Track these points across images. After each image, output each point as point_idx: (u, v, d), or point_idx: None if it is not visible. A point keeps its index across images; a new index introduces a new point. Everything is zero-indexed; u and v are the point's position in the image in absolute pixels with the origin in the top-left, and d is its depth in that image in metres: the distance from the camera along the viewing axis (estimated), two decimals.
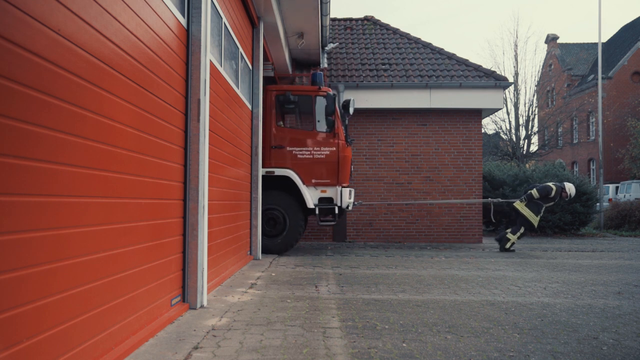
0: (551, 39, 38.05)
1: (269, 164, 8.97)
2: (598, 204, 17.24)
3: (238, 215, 7.17)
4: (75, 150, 2.57)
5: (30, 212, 2.21)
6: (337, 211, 8.99)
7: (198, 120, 4.46)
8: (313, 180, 8.98)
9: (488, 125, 31.04)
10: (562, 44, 38.56)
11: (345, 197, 9.03)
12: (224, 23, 6.14)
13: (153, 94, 3.65)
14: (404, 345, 3.49)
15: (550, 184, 10.48)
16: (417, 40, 14.10)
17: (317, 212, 8.93)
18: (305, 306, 4.70)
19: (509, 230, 10.46)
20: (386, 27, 14.90)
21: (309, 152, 9.00)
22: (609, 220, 17.82)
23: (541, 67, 31.05)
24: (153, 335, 3.53)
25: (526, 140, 26.16)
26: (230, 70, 6.71)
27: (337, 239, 11.89)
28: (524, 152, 25.89)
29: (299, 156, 8.98)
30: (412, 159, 12.08)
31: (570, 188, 10.41)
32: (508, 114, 26.21)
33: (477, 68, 12.53)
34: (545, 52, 38.05)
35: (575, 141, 35.08)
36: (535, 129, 27.90)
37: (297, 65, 12.24)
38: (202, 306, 4.52)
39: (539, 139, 28.92)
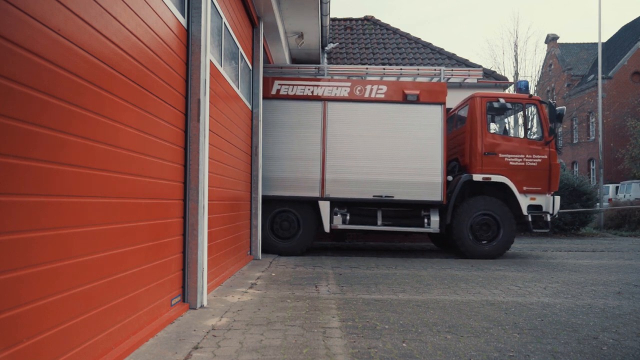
0: (551, 39, 38.05)
1: (480, 170, 9.00)
2: (598, 203, 17.24)
3: (238, 215, 7.17)
4: (75, 150, 2.57)
5: (30, 212, 2.21)
6: (549, 219, 9.03)
7: (198, 120, 4.45)
8: (524, 188, 8.98)
9: None
10: (562, 44, 38.56)
11: (557, 205, 9.08)
12: (224, 23, 6.14)
13: (153, 94, 3.65)
14: (404, 345, 3.49)
15: None
16: (417, 40, 14.11)
17: (529, 219, 8.94)
18: (305, 306, 4.70)
19: None
20: (386, 27, 14.91)
21: (520, 160, 8.99)
22: (609, 220, 17.82)
23: (541, 67, 31.08)
24: (153, 335, 3.52)
25: None
26: (230, 70, 6.71)
27: (337, 239, 11.90)
28: None
29: (510, 163, 8.98)
30: None
31: None
32: None
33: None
34: (545, 52, 38.07)
35: (575, 141, 35.09)
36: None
37: None
38: (202, 306, 4.52)
39: None
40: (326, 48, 13.03)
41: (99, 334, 2.82)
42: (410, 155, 8.93)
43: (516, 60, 26.62)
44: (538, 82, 28.34)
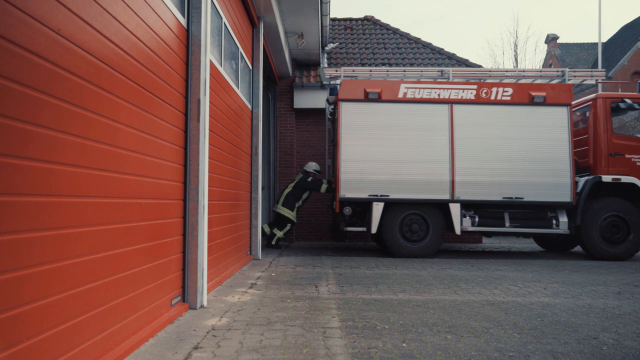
0: (551, 39, 38.04)
1: (606, 171, 9.01)
2: None
3: (238, 215, 7.17)
4: (75, 150, 2.57)
5: (30, 212, 2.21)
6: None
7: (198, 120, 4.46)
8: None
9: None
10: (562, 43, 38.54)
11: None
12: (224, 23, 6.14)
13: (153, 94, 3.65)
14: (404, 345, 3.49)
15: None
16: (417, 40, 14.12)
17: None
18: (305, 306, 4.70)
19: None
20: (386, 27, 14.91)
21: None
22: None
23: (541, 67, 31.08)
24: (153, 335, 3.53)
25: None
26: (230, 70, 6.71)
27: (337, 239, 11.90)
28: None
29: (638, 164, 9.00)
30: None
31: None
32: None
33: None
34: (545, 52, 38.05)
35: None
36: None
37: (297, 65, 12.24)
38: (202, 306, 4.52)
39: None
40: (326, 48, 13.04)
41: (99, 333, 2.82)
42: (538, 157, 8.88)
43: (516, 60, 26.67)
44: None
